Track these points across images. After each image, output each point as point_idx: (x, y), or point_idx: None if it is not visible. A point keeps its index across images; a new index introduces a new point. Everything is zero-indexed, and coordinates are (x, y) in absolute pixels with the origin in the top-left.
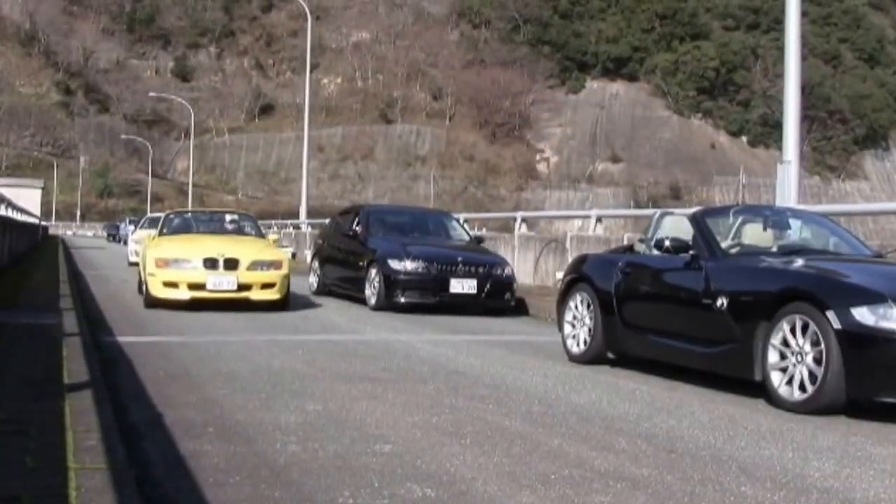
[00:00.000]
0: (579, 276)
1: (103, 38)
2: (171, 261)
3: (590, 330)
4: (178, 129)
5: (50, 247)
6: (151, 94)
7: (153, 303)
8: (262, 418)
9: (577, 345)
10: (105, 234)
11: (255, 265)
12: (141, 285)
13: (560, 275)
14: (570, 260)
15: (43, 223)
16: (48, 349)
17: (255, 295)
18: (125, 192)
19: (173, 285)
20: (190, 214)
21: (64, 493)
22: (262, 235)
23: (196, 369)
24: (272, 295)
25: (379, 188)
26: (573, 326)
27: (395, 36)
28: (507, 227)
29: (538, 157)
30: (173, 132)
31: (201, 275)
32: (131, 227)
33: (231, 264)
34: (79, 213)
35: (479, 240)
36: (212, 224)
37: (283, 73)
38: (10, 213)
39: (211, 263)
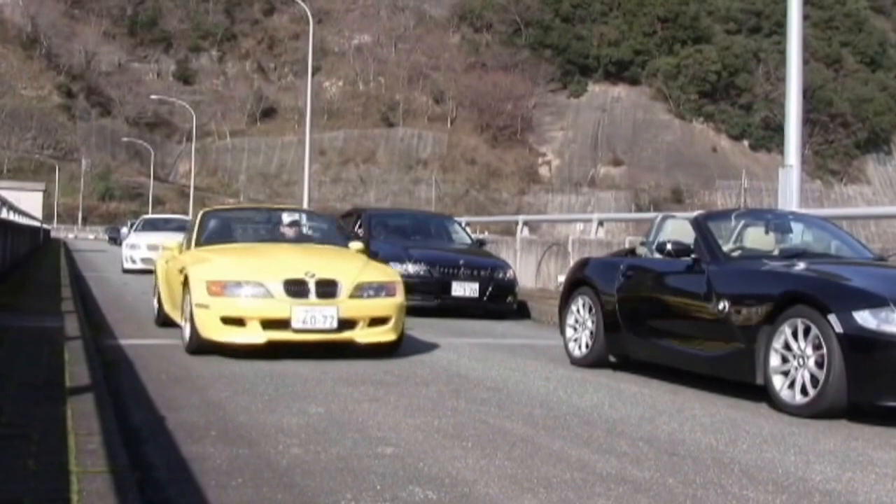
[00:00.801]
0: (581, 280)
1: (105, 41)
2: (233, 284)
3: (591, 333)
4: (179, 132)
5: (51, 250)
6: (153, 97)
7: (204, 347)
8: (265, 421)
9: (579, 348)
10: (106, 237)
11: (360, 290)
12: (162, 314)
13: (562, 278)
14: (571, 263)
15: (44, 226)
16: (50, 352)
17: (363, 336)
18: (127, 195)
19: (237, 322)
20: (234, 213)
21: (66, 497)
22: (343, 243)
23: (198, 372)
24: (386, 335)
25: (380, 191)
26: (575, 330)
27: (396, 39)
28: (509, 230)
29: (540, 161)
30: (175, 135)
31: (283, 306)
32: (124, 231)
33: (327, 289)
34: (80, 216)
35: (480, 243)
36: (268, 227)
37: (285, 76)
38: (12, 217)
39: (296, 288)
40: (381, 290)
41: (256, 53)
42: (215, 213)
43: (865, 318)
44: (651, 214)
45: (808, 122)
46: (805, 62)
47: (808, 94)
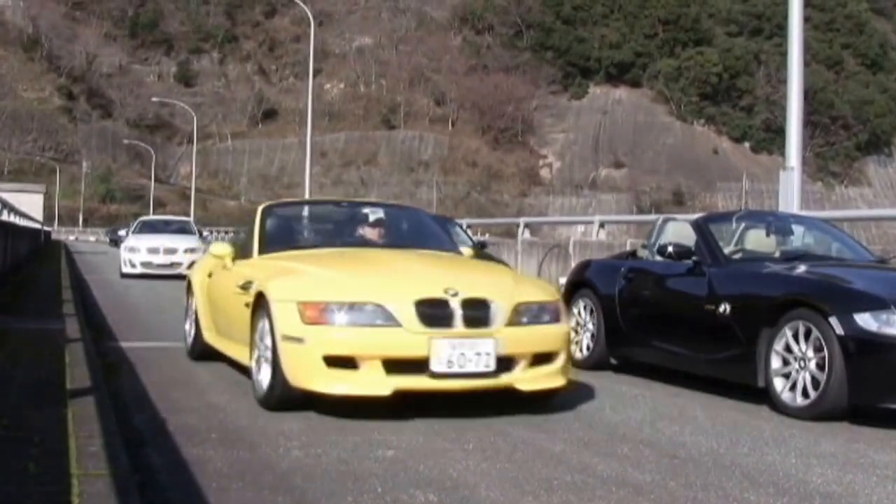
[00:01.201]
0: (582, 282)
1: (106, 43)
2: (338, 307)
3: (592, 335)
4: (180, 134)
5: (52, 251)
6: (154, 99)
7: (293, 400)
8: (266, 424)
9: (580, 350)
10: (107, 239)
11: (519, 314)
12: (199, 343)
13: (563, 280)
14: (572, 265)
15: (45, 228)
16: (51, 354)
17: (527, 380)
18: (128, 197)
19: (348, 364)
20: (304, 209)
21: (67, 500)
22: (454, 246)
23: (199, 375)
24: (553, 379)
25: (382, 194)
26: (576, 332)
27: (397, 41)
28: (510, 232)
29: (541, 163)
30: (176, 137)
31: (417, 339)
32: (122, 233)
33: (477, 313)
34: (81, 218)
35: (482, 245)
36: (351, 227)
37: (286, 78)
38: (13, 219)
39: (435, 311)
40: (542, 313)
41: (257, 55)
42: (280, 208)
43: (866, 321)
44: (652, 217)
45: (809, 124)
46: (806, 64)
47: (808, 96)
